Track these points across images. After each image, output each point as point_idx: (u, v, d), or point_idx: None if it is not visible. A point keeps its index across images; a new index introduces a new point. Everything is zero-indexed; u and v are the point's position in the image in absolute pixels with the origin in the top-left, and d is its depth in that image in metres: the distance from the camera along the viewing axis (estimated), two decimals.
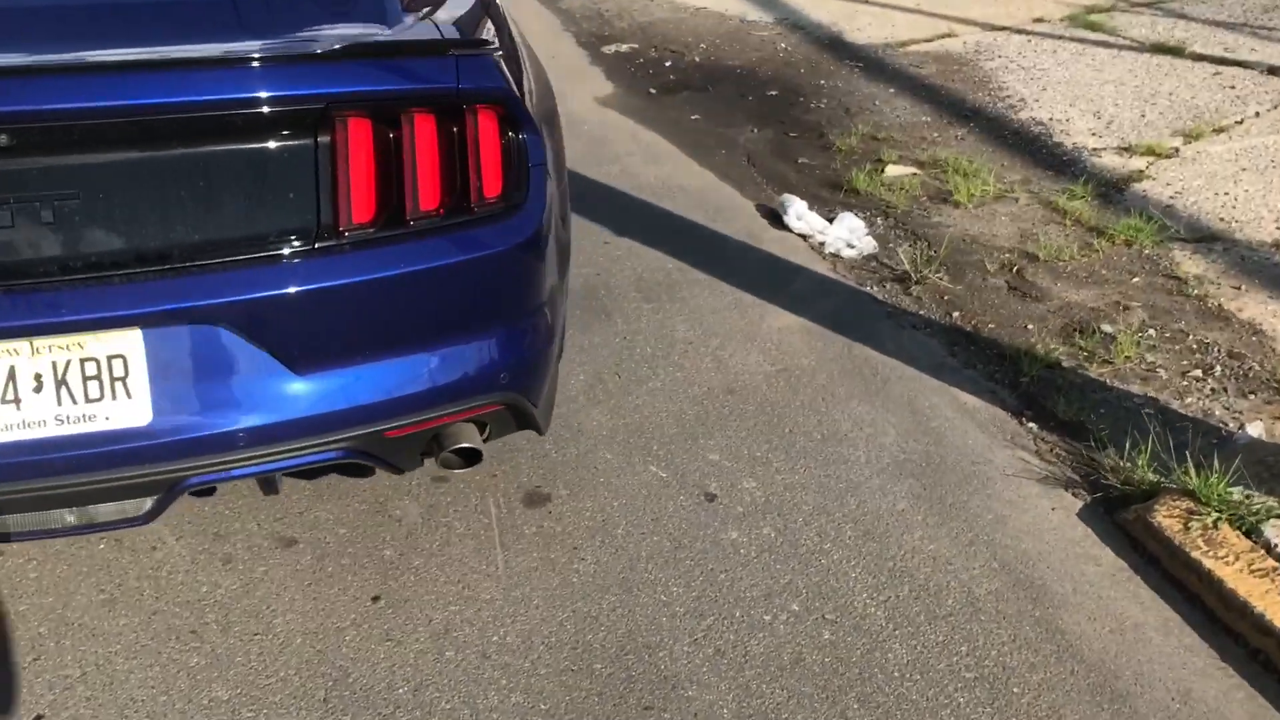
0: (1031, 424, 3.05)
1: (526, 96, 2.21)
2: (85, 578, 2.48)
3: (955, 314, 3.63)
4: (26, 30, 1.90)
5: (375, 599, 2.44)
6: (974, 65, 6.03)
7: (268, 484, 2.36)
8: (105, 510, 2.06)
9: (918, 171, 4.75)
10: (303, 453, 2.08)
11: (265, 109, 1.90)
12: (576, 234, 4.10)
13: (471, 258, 2.08)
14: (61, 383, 1.90)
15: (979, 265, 3.92)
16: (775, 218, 4.33)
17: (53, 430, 1.91)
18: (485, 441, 2.32)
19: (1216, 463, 2.66)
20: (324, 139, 1.95)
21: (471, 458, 2.29)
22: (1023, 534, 2.65)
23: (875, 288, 3.84)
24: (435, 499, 2.74)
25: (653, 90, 6.01)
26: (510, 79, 2.13)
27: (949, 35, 6.57)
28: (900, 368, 3.34)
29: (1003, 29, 6.63)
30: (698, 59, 6.56)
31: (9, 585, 2.45)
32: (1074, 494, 2.79)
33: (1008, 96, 5.53)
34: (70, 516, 2.05)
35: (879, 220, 4.35)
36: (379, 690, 2.22)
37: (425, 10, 2.24)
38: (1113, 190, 4.43)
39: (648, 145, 5.18)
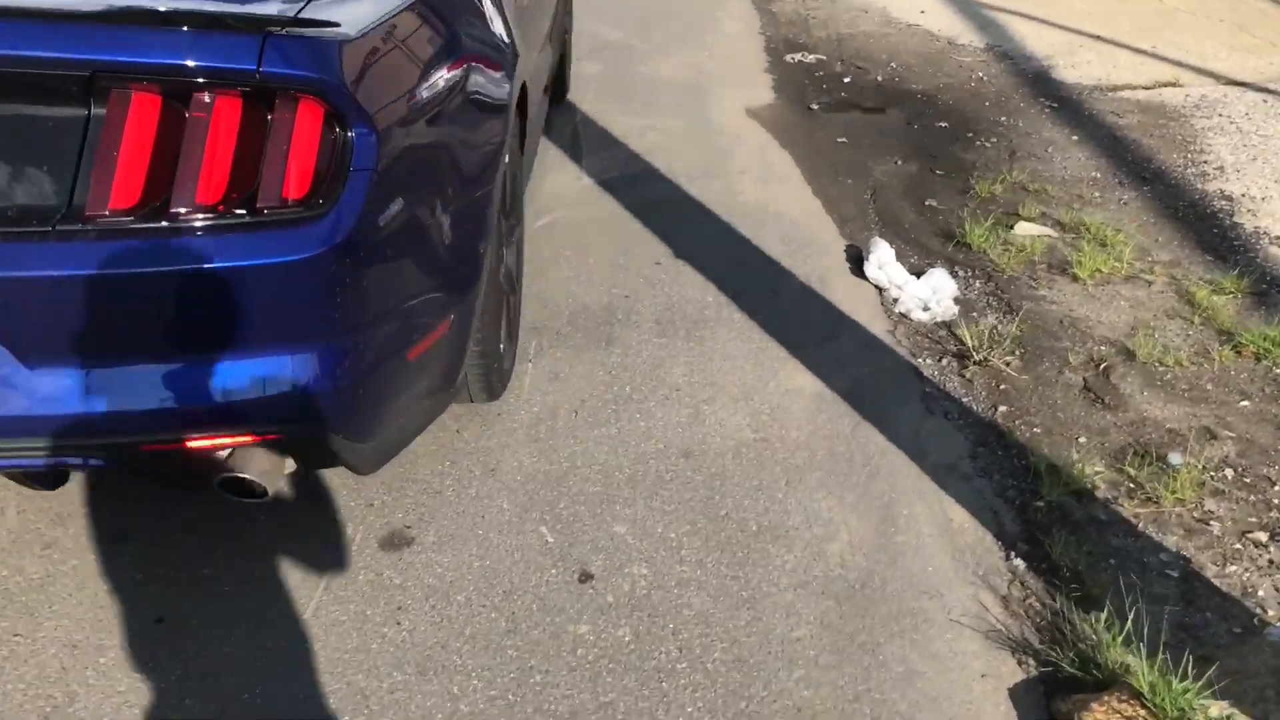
0: (1018, 560, 2.46)
1: (372, 83, 1.91)
2: None
3: (1002, 408, 3.02)
4: None
5: (159, 620, 2.20)
6: (1183, 121, 5.18)
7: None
8: None
9: (1052, 233, 4.07)
10: (34, 454, 1.88)
11: (27, 69, 1.72)
12: (630, 248, 3.81)
13: (250, 264, 1.79)
14: None
15: (1061, 355, 3.27)
16: (859, 262, 3.80)
17: None
18: (300, 472, 2.13)
19: (1221, 660, 2.01)
20: (93, 112, 1.75)
21: (253, 494, 2.01)
22: (926, 703, 2.10)
23: (928, 360, 3.26)
24: (294, 517, 2.47)
25: (814, 106, 5.53)
26: (330, 63, 1.82)
27: (1171, 84, 5.70)
28: (901, 461, 2.79)
29: (1239, 84, 5.69)
30: (880, 78, 6.00)
31: None
32: (1019, 662, 2.20)
33: (1205, 162, 4.69)
34: None
35: (977, 283, 3.74)
36: None
37: None
38: (1275, 290, 3.62)
39: (770, 164, 4.73)
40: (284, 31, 1.80)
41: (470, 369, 2.61)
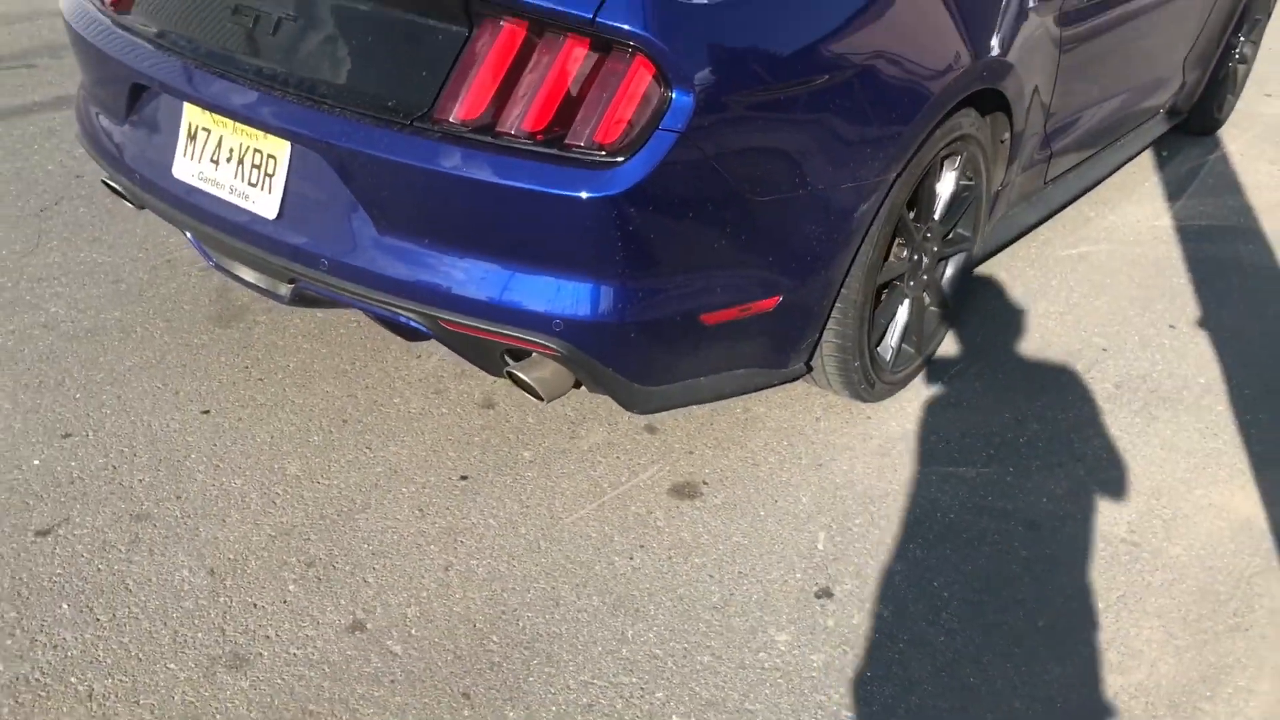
0: None
1: (703, 53, 1.96)
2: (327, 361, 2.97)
3: None
4: None
5: (463, 478, 2.57)
6: None
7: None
8: (255, 277, 2.43)
9: None
10: (376, 303, 2.21)
11: None
12: (1153, 303, 3.41)
13: (548, 192, 1.95)
14: (241, 160, 2.27)
15: None
16: None
17: (226, 194, 2.31)
18: (577, 388, 2.29)
19: None
20: (469, 32, 1.99)
21: (532, 394, 2.25)
22: None
23: None
24: (618, 434, 2.72)
25: None
26: (666, 27, 1.89)
27: None
28: (1271, 632, 2.26)
29: None
30: None
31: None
32: None
33: None
34: (245, 273, 2.44)
35: None
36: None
37: None
38: None
39: None
40: None
41: (827, 360, 2.62)
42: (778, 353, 2.45)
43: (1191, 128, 4.73)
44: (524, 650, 2.11)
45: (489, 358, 2.26)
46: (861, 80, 2.23)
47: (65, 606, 2.12)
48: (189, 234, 2.47)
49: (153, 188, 2.42)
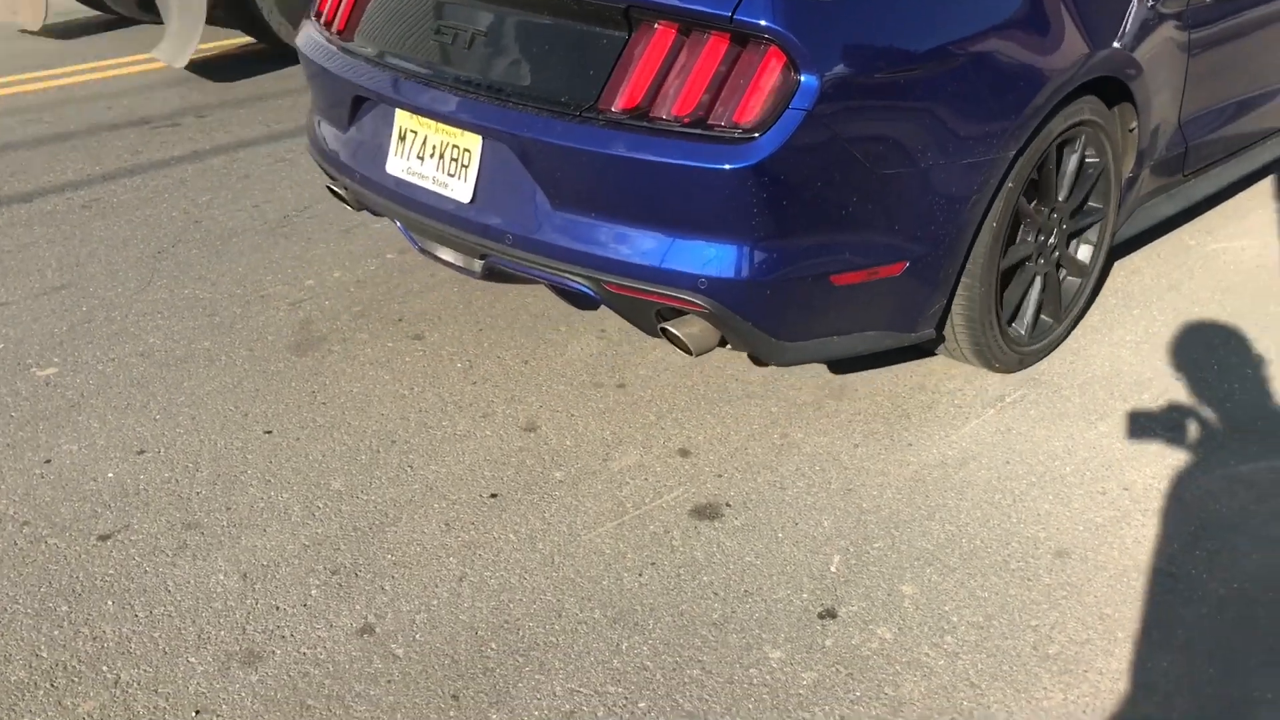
0: None
1: (828, 43, 2.25)
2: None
3: None
4: None
5: (494, 495, 2.67)
6: None
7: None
8: (453, 255, 2.78)
9: None
10: (551, 271, 2.55)
11: (590, 2, 2.36)
12: (1269, 331, 3.24)
13: (696, 165, 2.24)
14: (441, 155, 2.66)
15: None
16: None
17: (429, 184, 2.69)
18: (724, 346, 2.57)
19: None
20: (627, 35, 2.34)
21: (681, 348, 2.53)
22: None
23: None
24: (650, 455, 2.77)
25: None
26: (795, 21, 2.20)
27: None
28: None
29: None
30: None
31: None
32: None
33: None
34: (444, 254, 2.81)
35: None
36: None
37: None
38: None
39: None
40: None
41: (958, 330, 2.84)
42: (905, 317, 2.67)
43: None
44: (518, 658, 2.17)
45: (644, 316, 2.55)
46: (975, 66, 2.47)
47: (110, 603, 2.31)
48: (399, 222, 2.88)
49: (369, 183, 2.84)
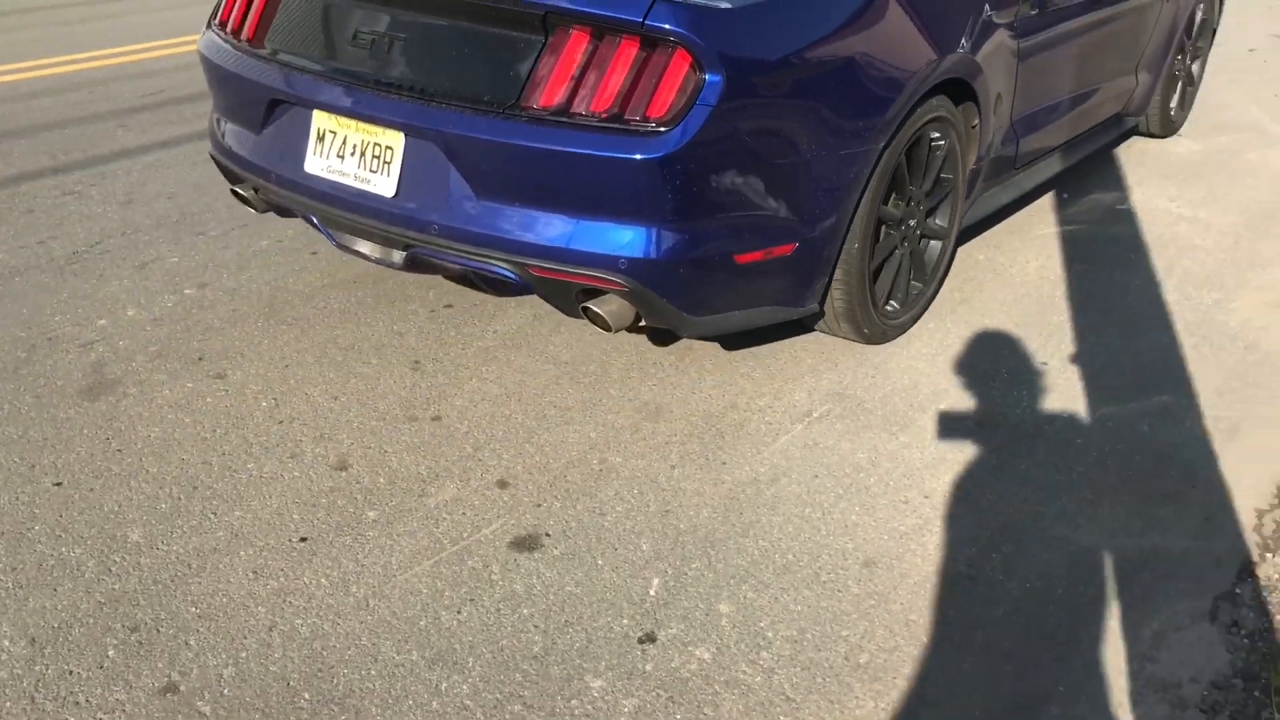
0: None
1: (729, 44, 2.49)
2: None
3: None
4: None
5: (304, 539, 2.58)
6: None
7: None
8: (372, 248, 2.92)
9: None
10: (476, 259, 2.70)
11: (508, 6, 2.54)
12: (1030, 339, 3.43)
13: (614, 155, 2.46)
14: (362, 153, 2.81)
15: None
16: None
17: (351, 181, 2.83)
18: (639, 325, 2.79)
19: None
20: (545, 39, 2.54)
21: (602, 325, 2.74)
22: None
23: (1273, 558, 2.54)
24: (467, 490, 2.72)
25: None
26: (700, 26, 2.45)
27: None
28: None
29: None
30: None
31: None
32: None
33: None
34: (361, 246, 2.94)
35: None
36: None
37: None
38: None
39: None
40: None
41: (836, 303, 3.14)
42: (795, 293, 2.97)
43: (1152, 131, 5.15)
44: (333, 707, 2.11)
45: (566, 297, 2.73)
46: (851, 69, 2.77)
47: None
48: (315, 219, 2.99)
49: (285, 182, 2.97)
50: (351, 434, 2.93)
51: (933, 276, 3.53)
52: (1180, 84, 5.21)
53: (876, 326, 3.28)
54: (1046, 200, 4.57)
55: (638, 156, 2.46)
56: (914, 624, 2.32)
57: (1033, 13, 3.57)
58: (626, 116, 2.48)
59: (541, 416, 3.02)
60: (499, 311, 3.55)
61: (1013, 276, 3.90)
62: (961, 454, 2.88)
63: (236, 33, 3.11)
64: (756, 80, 2.55)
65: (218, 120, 3.26)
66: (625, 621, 2.33)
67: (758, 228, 2.73)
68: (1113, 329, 3.55)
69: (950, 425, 3.01)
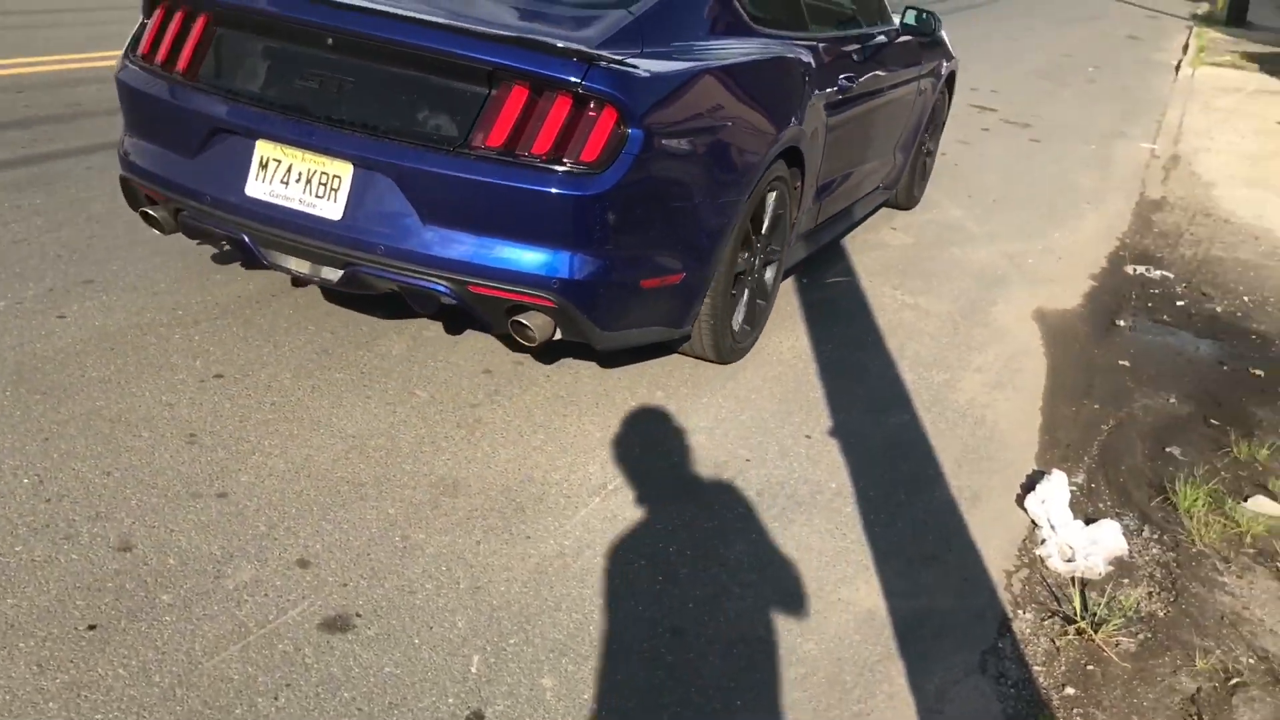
0: None
1: (664, 116, 3.06)
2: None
3: (1070, 690, 2.56)
4: None
5: (92, 627, 2.38)
6: None
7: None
8: (302, 266, 3.22)
9: None
10: (418, 277, 3.03)
11: (456, 59, 2.92)
12: (791, 415, 3.69)
13: (549, 191, 2.88)
14: (309, 180, 3.08)
15: (1190, 654, 2.71)
16: (1032, 490, 3.40)
17: (295, 205, 3.10)
18: (556, 336, 3.17)
19: None
20: (489, 90, 2.94)
21: (527, 338, 3.13)
22: None
23: (1026, 615, 2.84)
24: (268, 572, 2.61)
25: (1121, 323, 5.04)
26: (640, 93, 2.96)
27: None
28: (904, 714, 2.43)
29: None
30: (1220, 309, 5.36)
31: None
32: None
33: None
34: (292, 263, 3.23)
35: (1154, 549, 3.21)
36: None
37: (642, 30, 3.25)
38: None
39: (1015, 371, 4.36)
40: (604, 64, 2.88)
41: (703, 326, 3.67)
42: (678, 316, 3.49)
43: (900, 204, 6.03)
44: None
45: (497, 312, 3.09)
46: (729, 131, 3.41)
47: None
48: (246, 237, 3.21)
49: (223, 204, 3.20)
50: (131, 512, 2.77)
51: (759, 321, 4.14)
52: (922, 165, 6.21)
53: (734, 349, 3.90)
54: (789, 285, 4.92)
55: (573, 193, 2.87)
56: (728, 690, 2.45)
57: (839, 96, 4.26)
58: (564, 158, 2.89)
59: (335, 493, 2.96)
60: (273, 381, 3.45)
61: (770, 355, 4.18)
62: (747, 523, 3.06)
63: (165, 65, 3.32)
64: (665, 138, 3.05)
65: (134, 144, 3.45)
66: (450, 700, 2.32)
67: (658, 258, 3.24)
68: (860, 406, 3.87)
69: (734, 496, 3.19)
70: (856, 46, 4.57)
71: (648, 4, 3.30)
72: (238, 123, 3.13)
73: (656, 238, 3.18)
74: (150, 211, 3.42)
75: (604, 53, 2.92)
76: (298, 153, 3.08)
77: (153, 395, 3.30)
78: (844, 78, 4.32)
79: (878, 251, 5.60)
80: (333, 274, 3.15)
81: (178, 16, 3.32)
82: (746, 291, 3.90)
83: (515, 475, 3.15)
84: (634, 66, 2.98)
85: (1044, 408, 4.07)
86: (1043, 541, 3.16)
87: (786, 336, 4.37)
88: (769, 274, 4.10)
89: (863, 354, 4.32)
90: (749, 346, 4.07)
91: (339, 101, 3.04)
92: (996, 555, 3.08)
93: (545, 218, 2.90)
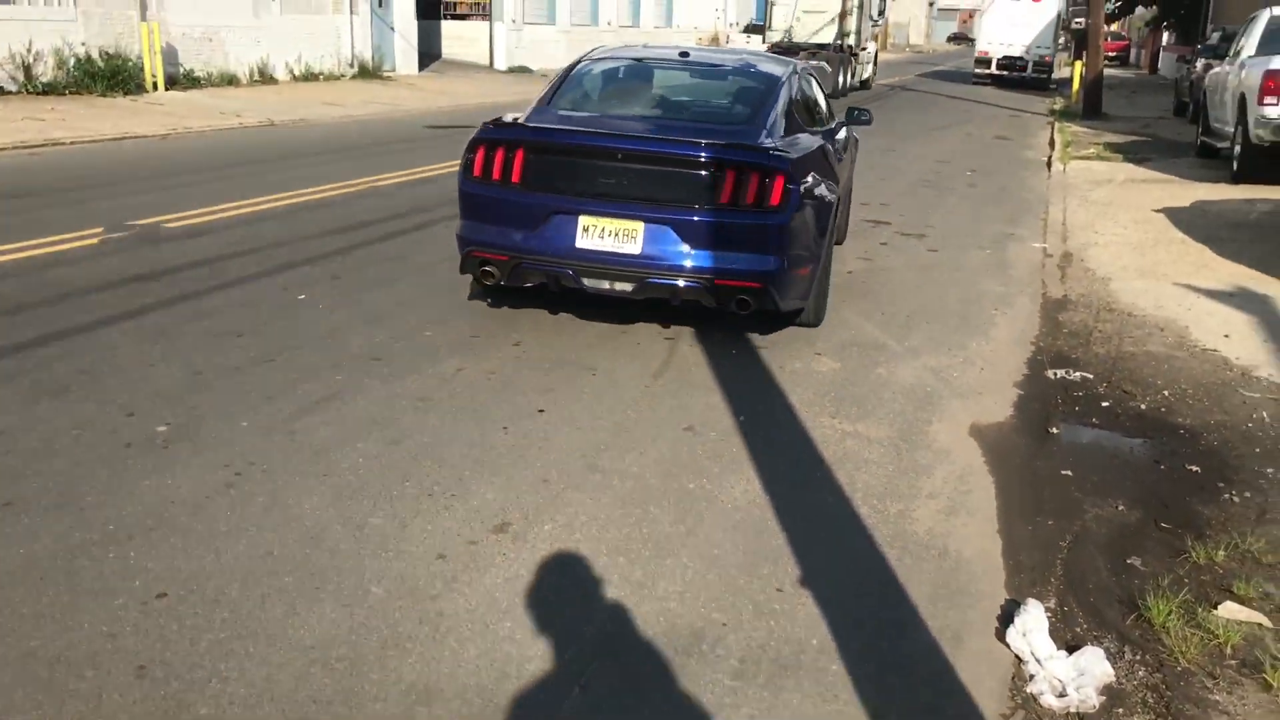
0: None
1: (800, 176, 5.69)
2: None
3: None
4: (636, 108, 6.60)
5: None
6: None
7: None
8: (611, 285, 5.59)
9: (1263, 621, 3.42)
10: (681, 279, 5.52)
11: (699, 158, 5.55)
12: (758, 566, 3.56)
13: (754, 222, 5.49)
14: (616, 235, 5.52)
15: None
16: (1010, 621, 3.36)
17: (609, 249, 5.53)
18: (749, 310, 5.68)
19: None
20: (717, 173, 5.49)
21: (745, 307, 5.64)
22: None
23: None
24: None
25: (1055, 430, 5.12)
26: (792, 166, 5.63)
27: None
28: None
29: None
30: (1145, 406, 5.49)
31: None
32: None
33: None
34: (605, 284, 5.58)
35: (1140, 672, 3.18)
36: None
37: (790, 131, 6.26)
38: None
39: (965, 493, 4.36)
40: (773, 152, 5.62)
41: (815, 298, 6.18)
42: (807, 291, 5.99)
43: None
44: None
45: (728, 296, 5.53)
46: (823, 184, 6.20)
47: None
48: (571, 271, 5.54)
49: (561, 253, 5.53)
50: None
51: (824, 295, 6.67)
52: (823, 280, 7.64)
53: (820, 317, 6.38)
54: (733, 429, 4.90)
55: (769, 222, 5.47)
56: None
57: (838, 159, 7.16)
58: (764, 205, 5.42)
59: (303, 716, 2.79)
60: (220, 595, 3.28)
61: (725, 504, 4.13)
62: (738, 698, 2.96)
63: (500, 180, 5.62)
64: (805, 189, 5.63)
65: (473, 227, 5.77)
66: None
67: (804, 256, 5.75)
68: (823, 548, 3.83)
69: (717, 668, 3.09)
70: (838, 135, 7.46)
71: (770, 117, 6.09)
72: (569, 206, 5.50)
73: (804, 246, 5.68)
74: (488, 268, 5.66)
75: (768, 146, 5.63)
76: (608, 220, 5.47)
77: (92, 626, 3.11)
78: (837, 150, 7.18)
79: (808, 380, 5.64)
80: (625, 286, 5.53)
81: (499, 151, 5.63)
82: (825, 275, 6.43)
83: (489, 673, 3.02)
84: (785, 152, 5.67)
85: (1001, 530, 4.08)
86: (1031, 678, 3.12)
87: (737, 480, 4.34)
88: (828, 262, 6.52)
89: (813, 492, 4.29)
90: (824, 314, 6.52)
91: (629, 187, 5.49)
92: (990, 699, 3.03)
93: (755, 239, 5.45)
